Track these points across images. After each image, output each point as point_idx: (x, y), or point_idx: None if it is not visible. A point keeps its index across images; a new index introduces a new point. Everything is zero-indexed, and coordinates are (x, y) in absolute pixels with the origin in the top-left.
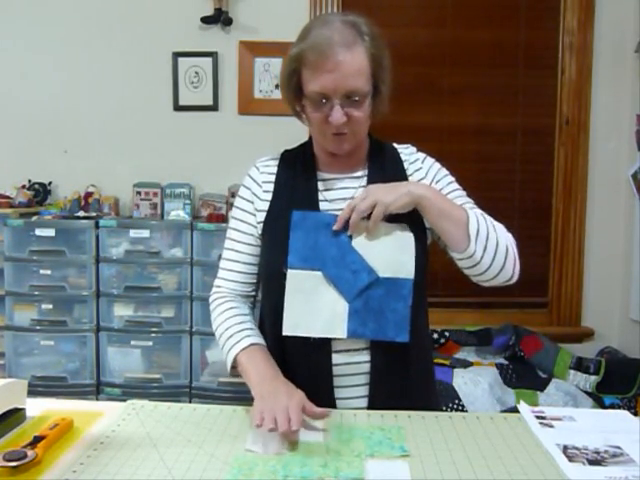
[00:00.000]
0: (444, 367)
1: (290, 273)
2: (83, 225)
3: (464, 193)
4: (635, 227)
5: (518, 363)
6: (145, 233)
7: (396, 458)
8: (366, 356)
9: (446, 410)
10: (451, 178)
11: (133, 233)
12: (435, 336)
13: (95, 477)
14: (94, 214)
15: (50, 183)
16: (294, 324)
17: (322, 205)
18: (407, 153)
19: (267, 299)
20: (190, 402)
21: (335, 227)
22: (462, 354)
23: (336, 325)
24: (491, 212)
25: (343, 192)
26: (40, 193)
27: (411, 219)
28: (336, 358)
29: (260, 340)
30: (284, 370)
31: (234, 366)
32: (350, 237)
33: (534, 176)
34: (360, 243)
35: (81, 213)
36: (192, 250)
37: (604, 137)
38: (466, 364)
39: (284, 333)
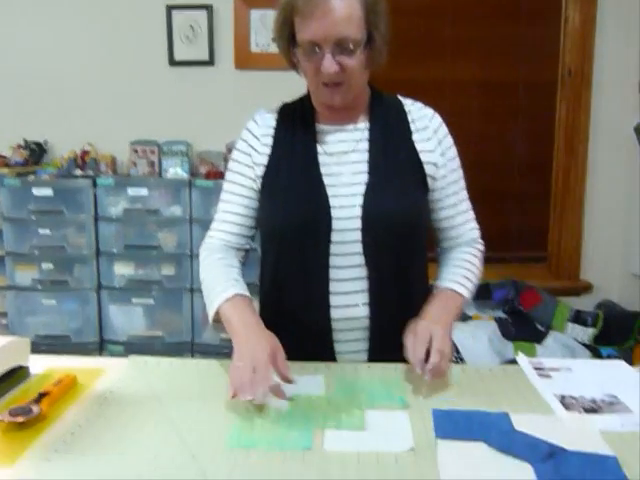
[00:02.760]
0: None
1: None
2: (81, 184)
3: (463, 183)
4: (636, 181)
5: (517, 317)
6: (143, 191)
7: (396, 409)
8: (365, 311)
9: None
10: (456, 160)
11: (131, 191)
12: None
13: (101, 432)
14: (91, 173)
15: (46, 142)
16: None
17: (321, 159)
18: (413, 107)
19: (266, 255)
20: (192, 356)
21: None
22: None
23: None
24: (492, 167)
25: (343, 145)
26: (36, 152)
27: (412, 170)
28: (335, 313)
29: (245, 291)
30: (283, 324)
31: (216, 319)
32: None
33: (536, 130)
34: None
35: (78, 172)
36: (191, 208)
37: (607, 89)
38: (465, 318)
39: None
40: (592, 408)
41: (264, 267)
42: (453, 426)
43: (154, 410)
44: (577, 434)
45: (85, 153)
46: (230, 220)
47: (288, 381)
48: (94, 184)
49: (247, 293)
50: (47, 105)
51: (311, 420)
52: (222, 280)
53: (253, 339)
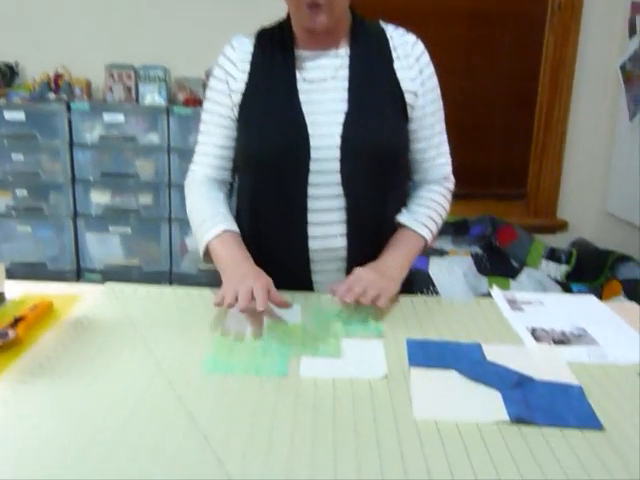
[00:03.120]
0: (420, 256)
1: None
2: (54, 108)
3: (440, 116)
4: (619, 121)
5: (493, 252)
6: (119, 118)
7: (371, 338)
8: (343, 242)
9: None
10: (436, 91)
11: (107, 117)
12: None
13: (77, 357)
14: (65, 97)
15: (17, 64)
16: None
17: (300, 86)
18: (395, 34)
19: (243, 185)
20: (170, 284)
21: (335, 294)
22: (439, 243)
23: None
24: (475, 100)
25: (323, 72)
26: (6, 74)
27: (393, 99)
28: (313, 244)
29: (234, 227)
30: (261, 255)
31: (207, 253)
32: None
33: (521, 64)
34: None
35: (51, 96)
36: (169, 136)
37: (596, 26)
38: (442, 253)
39: (415, 415)
40: (561, 340)
41: (241, 198)
42: (426, 355)
43: (130, 336)
44: (545, 365)
45: (58, 76)
46: (210, 152)
47: (285, 305)
48: (68, 109)
49: (236, 229)
50: (18, 24)
51: (287, 347)
52: (210, 215)
53: (242, 275)
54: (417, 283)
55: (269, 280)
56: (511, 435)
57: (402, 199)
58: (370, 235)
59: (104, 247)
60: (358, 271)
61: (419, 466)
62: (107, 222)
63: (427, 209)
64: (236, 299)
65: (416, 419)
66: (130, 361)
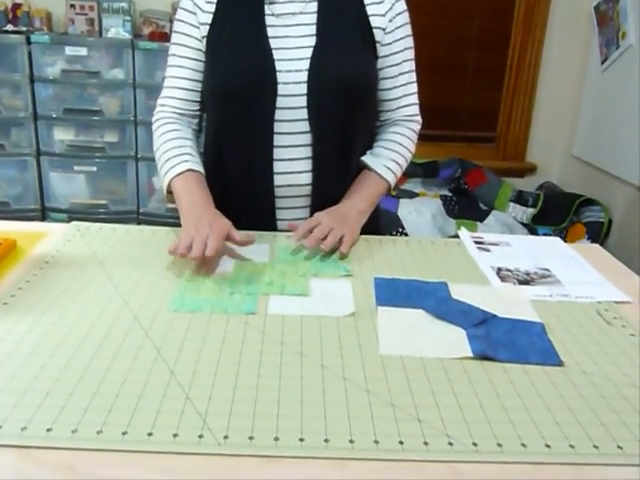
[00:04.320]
0: (390, 197)
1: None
2: (13, 40)
3: (410, 55)
4: (590, 64)
5: (462, 195)
6: (82, 51)
7: (339, 277)
8: (308, 178)
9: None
10: (405, 28)
11: (69, 51)
12: None
13: (42, 294)
14: (24, 29)
15: None
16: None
17: (268, 20)
18: None
19: (209, 120)
20: (138, 224)
21: (294, 237)
22: (408, 185)
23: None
24: (447, 39)
25: (291, 6)
26: None
27: (362, 34)
28: (278, 179)
29: (198, 167)
30: (225, 192)
31: (170, 191)
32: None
33: (495, 3)
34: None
35: (10, 27)
36: (134, 71)
37: None
38: (412, 195)
39: (381, 352)
40: (525, 280)
41: (206, 134)
42: (393, 294)
43: (96, 274)
44: (509, 303)
45: (17, 6)
46: (179, 86)
47: (247, 242)
48: (28, 41)
49: (200, 168)
50: None
51: (256, 286)
52: (175, 154)
53: (198, 220)
54: (386, 224)
55: (227, 224)
56: (474, 370)
57: (369, 139)
58: (335, 173)
59: (69, 186)
60: (318, 215)
61: (384, 399)
62: (72, 160)
63: (391, 152)
64: (189, 247)
65: (382, 355)
66: (96, 299)
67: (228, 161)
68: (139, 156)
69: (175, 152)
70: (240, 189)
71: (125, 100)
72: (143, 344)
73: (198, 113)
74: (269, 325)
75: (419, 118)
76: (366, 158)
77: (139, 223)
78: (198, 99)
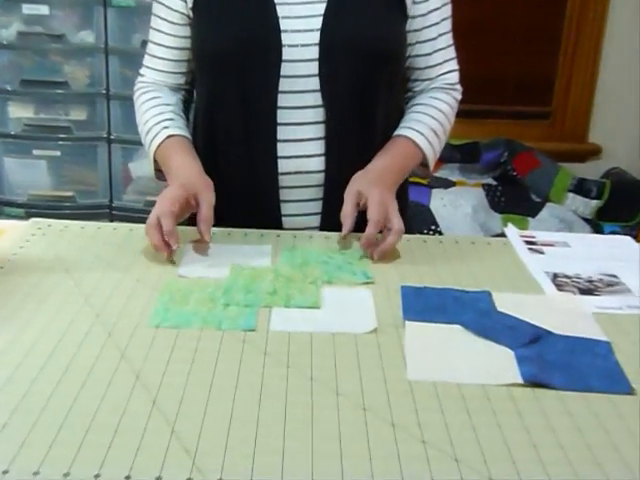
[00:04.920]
0: (420, 186)
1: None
2: None
3: (448, 13)
4: None
5: (509, 184)
6: (43, 9)
7: (358, 285)
8: (320, 164)
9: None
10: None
11: (27, 9)
12: None
13: (2, 303)
14: None
15: None
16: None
17: None
18: None
19: (200, 92)
20: (111, 221)
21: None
22: (443, 172)
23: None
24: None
25: None
26: None
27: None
28: (283, 165)
29: (180, 131)
30: (219, 182)
31: (159, 169)
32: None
33: None
34: None
35: None
36: (107, 34)
37: None
38: (447, 184)
39: (409, 377)
40: (588, 288)
41: (196, 111)
42: (424, 306)
43: (61, 282)
44: (568, 317)
45: None
46: (163, 55)
47: (203, 240)
48: None
49: (183, 132)
50: None
51: (255, 296)
52: (154, 122)
53: (173, 181)
54: (415, 220)
55: (204, 190)
56: (524, 400)
57: (395, 117)
58: (353, 157)
59: (27, 174)
60: (354, 184)
61: (413, 433)
62: (30, 143)
63: (429, 118)
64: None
65: (410, 382)
66: (62, 312)
67: (222, 144)
68: (112, 137)
69: (154, 121)
70: (236, 178)
71: (95, 69)
72: (119, 367)
73: (185, 86)
74: (272, 344)
75: (460, 87)
76: (401, 130)
77: (113, 219)
78: (184, 70)
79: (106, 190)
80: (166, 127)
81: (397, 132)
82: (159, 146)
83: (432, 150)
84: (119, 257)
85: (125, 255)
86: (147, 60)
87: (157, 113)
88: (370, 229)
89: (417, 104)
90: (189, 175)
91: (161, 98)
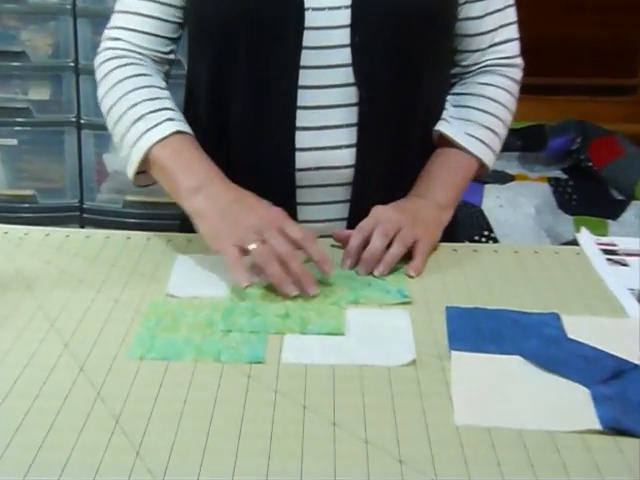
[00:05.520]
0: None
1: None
2: None
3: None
4: None
5: (583, 178)
6: None
7: (391, 306)
8: (349, 157)
9: (469, 242)
10: None
11: None
12: None
13: None
14: None
15: None
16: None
17: None
18: None
19: (196, 67)
20: (82, 227)
21: (344, 265)
22: (499, 163)
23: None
24: None
25: None
26: None
27: None
28: (302, 159)
29: (188, 128)
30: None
31: (142, 171)
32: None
33: None
34: None
35: None
36: None
37: None
38: (504, 178)
39: (457, 422)
40: None
41: (193, 92)
42: (475, 332)
43: (22, 302)
44: None
45: None
46: (146, 11)
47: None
48: None
49: (190, 131)
50: None
51: (263, 320)
52: (150, 109)
53: (238, 207)
54: (464, 224)
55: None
56: (603, 450)
57: (442, 99)
58: (391, 150)
59: None
60: (377, 211)
61: None
62: None
63: (483, 114)
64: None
65: (459, 427)
66: (22, 339)
67: (226, 131)
68: (83, 122)
69: (149, 107)
70: (242, 173)
71: (60, 36)
72: (94, 409)
73: (170, 55)
74: (284, 380)
75: (520, 61)
76: (443, 126)
77: (84, 224)
78: (170, 33)
79: (75, 188)
80: (170, 119)
81: (447, 134)
82: (160, 142)
83: (491, 154)
84: (92, 272)
85: (100, 269)
86: (121, 18)
87: (151, 97)
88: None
89: (468, 94)
90: (237, 188)
91: (151, 77)
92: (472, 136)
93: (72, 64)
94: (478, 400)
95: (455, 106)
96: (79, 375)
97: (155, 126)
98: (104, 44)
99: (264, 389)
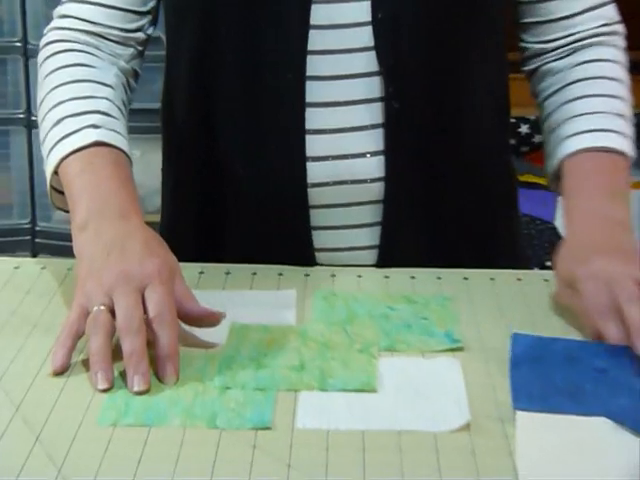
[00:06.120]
0: (539, 190)
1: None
2: None
3: None
4: None
5: None
6: None
7: (439, 354)
8: (376, 167)
9: (540, 268)
10: None
11: None
12: (522, 129)
13: None
14: None
15: None
16: None
17: None
18: None
19: (177, 52)
20: (34, 255)
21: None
22: None
23: None
24: None
25: None
26: None
27: None
28: (315, 171)
29: (117, 141)
30: (211, 187)
31: (58, 190)
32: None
33: None
34: None
35: None
36: None
37: None
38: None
39: None
40: None
41: (171, 74)
42: (547, 383)
43: None
44: None
45: None
46: None
47: (214, 320)
48: None
49: (121, 144)
50: None
51: (271, 374)
52: (74, 110)
53: (119, 241)
54: (533, 245)
55: (173, 263)
56: None
57: (495, 87)
58: (429, 154)
59: None
60: (592, 268)
61: None
62: None
63: (603, 99)
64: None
65: None
66: None
67: (217, 131)
68: (34, 119)
69: (75, 107)
70: (239, 189)
71: (4, 11)
72: None
73: (139, 35)
74: (299, 452)
75: (622, 28)
76: (560, 130)
77: (37, 252)
78: (140, 7)
79: (25, 205)
80: (94, 126)
81: (577, 140)
82: (73, 153)
83: (631, 144)
84: (50, 314)
85: (59, 311)
86: None
87: (82, 94)
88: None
89: (572, 78)
90: (139, 228)
91: (93, 69)
92: (616, 132)
93: (19, 44)
94: (552, 478)
95: (559, 94)
96: (34, 448)
97: (73, 133)
98: (53, 22)
99: (273, 463)
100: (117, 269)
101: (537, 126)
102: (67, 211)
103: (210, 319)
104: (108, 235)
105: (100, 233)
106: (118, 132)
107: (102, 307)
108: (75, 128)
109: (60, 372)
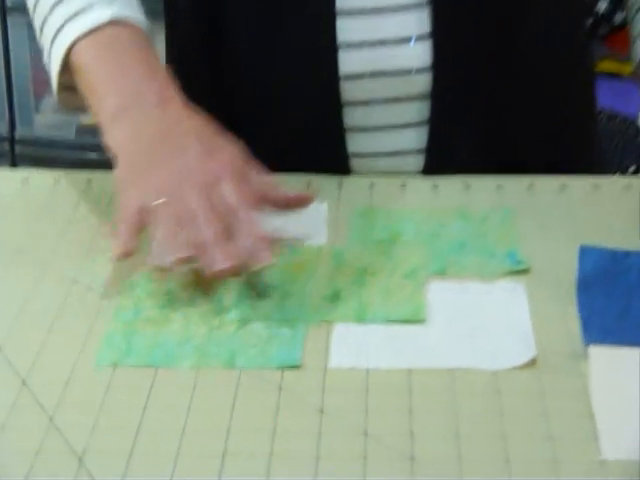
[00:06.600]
0: (621, 80)
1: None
2: None
3: None
4: None
5: None
6: None
7: (499, 278)
8: (421, 56)
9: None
10: None
11: None
12: (601, 6)
13: None
14: None
15: None
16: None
17: None
18: None
19: None
20: (13, 165)
21: None
22: None
23: None
24: None
25: None
26: None
27: None
28: (350, 60)
29: (135, 16)
30: (234, 99)
31: (67, 86)
32: None
33: None
34: None
35: None
36: None
37: None
38: None
39: (604, 455)
40: None
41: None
42: (625, 310)
43: None
44: None
45: None
46: None
47: (304, 199)
48: None
49: (140, 22)
50: None
51: (299, 304)
52: None
53: (169, 131)
54: (613, 148)
55: (238, 150)
56: None
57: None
58: (490, 35)
59: None
60: None
61: None
62: None
63: None
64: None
65: (607, 463)
66: None
67: (238, 31)
68: (10, 5)
69: None
70: (250, 85)
71: None
72: (46, 440)
73: None
74: (333, 395)
75: None
76: None
77: (16, 162)
78: None
79: (1, 108)
80: (107, 1)
81: None
82: (86, 36)
83: None
84: (37, 238)
85: (47, 232)
86: None
87: None
88: None
89: None
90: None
91: None
92: None
93: None
94: (634, 423)
95: None
96: (21, 392)
97: (81, 12)
98: None
99: (302, 408)
100: (183, 163)
101: (620, 2)
102: (77, 111)
103: (303, 201)
104: (158, 125)
105: (144, 122)
106: (133, 6)
107: (164, 200)
108: (84, 5)
109: (126, 256)
